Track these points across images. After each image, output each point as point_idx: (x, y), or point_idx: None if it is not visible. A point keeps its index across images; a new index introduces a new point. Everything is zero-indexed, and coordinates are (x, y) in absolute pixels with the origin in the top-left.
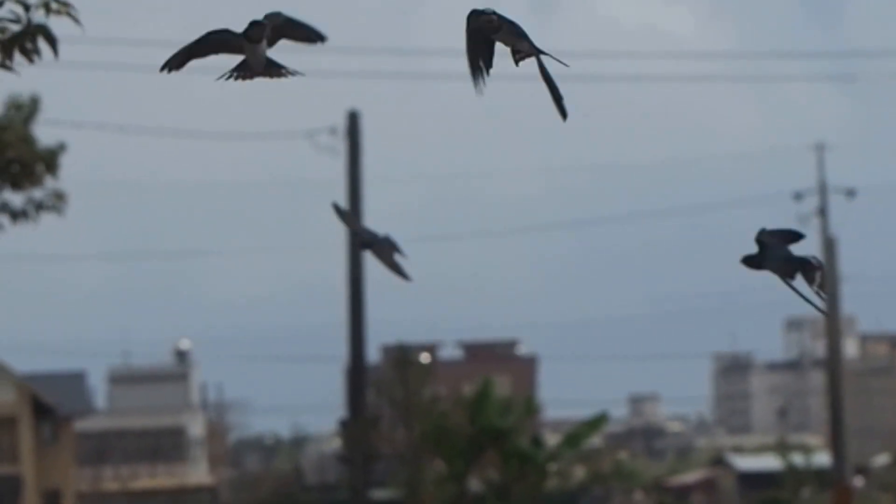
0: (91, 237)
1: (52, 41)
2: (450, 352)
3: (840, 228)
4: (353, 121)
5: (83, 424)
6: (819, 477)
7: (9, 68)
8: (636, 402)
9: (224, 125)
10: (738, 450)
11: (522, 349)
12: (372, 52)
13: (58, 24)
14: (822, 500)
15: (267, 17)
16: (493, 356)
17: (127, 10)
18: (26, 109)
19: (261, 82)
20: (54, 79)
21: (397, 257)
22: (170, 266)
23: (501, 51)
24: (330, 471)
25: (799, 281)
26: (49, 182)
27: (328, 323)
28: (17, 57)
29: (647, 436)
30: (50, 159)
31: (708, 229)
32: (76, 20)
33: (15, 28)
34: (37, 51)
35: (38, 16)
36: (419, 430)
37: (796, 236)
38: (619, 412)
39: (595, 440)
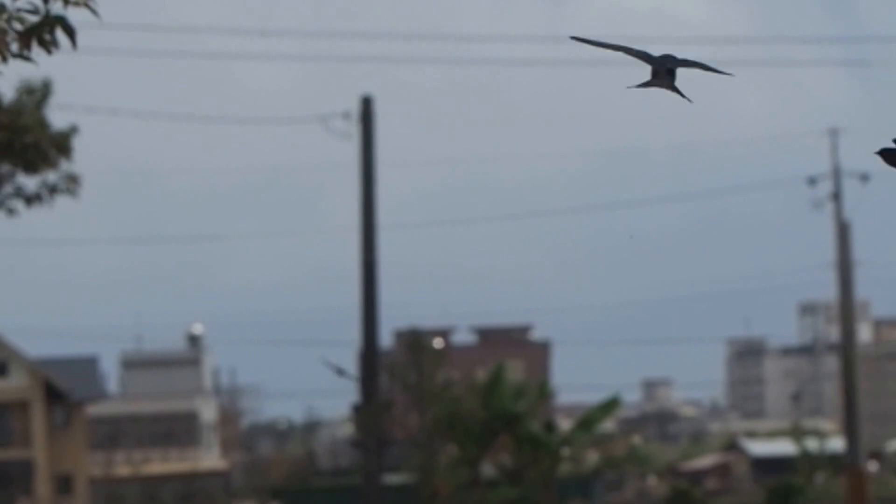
0: (104, 222)
1: (71, 32)
2: (463, 337)
3: (854, 213)
4: (367, 105)
5: (96, 409)
6: (833, 462)
7: (28, 59)
8: (649, 386)
9: (237, 110)
10: (752, 435)
11: (535, 334)
12: (386, 37)
13: (72, 10)
14: (836, 485)
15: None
16: (507, 341)
17: None
18: (39, 93)
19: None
20: (68, 64)
21: None
22: (182, 251)
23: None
24: (343, 455)
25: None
26: (63, 165)
27: (341, 307)
28: (34, 47)
29: (660, 420)
30: (63, 142)
31: (722, 214)
32: (94, 12)
33: (33, 19)
34: (55, 42)
35: (57, 7)
36: (432, 415)
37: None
38: (633, 397)
39: (608, 425)
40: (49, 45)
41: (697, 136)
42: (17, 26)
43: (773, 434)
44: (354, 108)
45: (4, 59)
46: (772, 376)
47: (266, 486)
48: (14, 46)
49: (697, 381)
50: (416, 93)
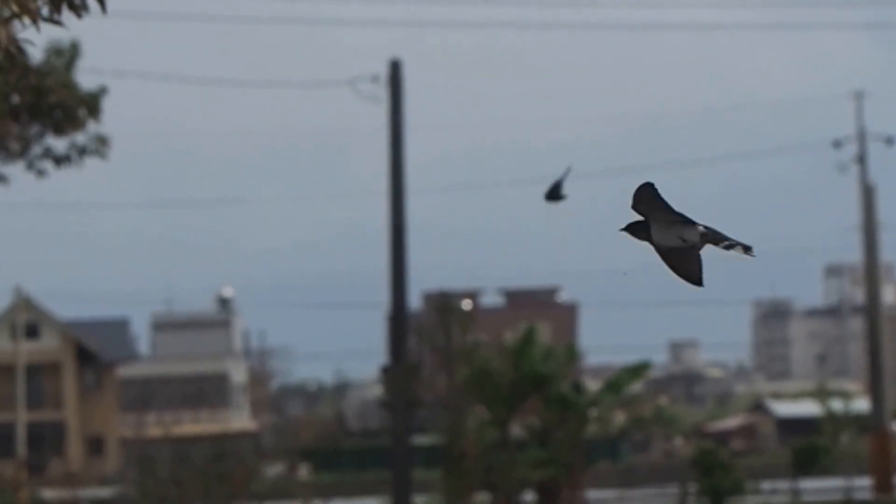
0: (135, 185)
1: None
2: (491, 299)
3: (879, 175)
4: (396, 69)
5: (126, 371)
6: (858, 422)
7: (58, 23)
8: (676, 348)
9: (267, 74)
10: (778, 396)
11: (563, 296)
12: (415, 1)
13: None
14: (860, 446)
15: None
16: (535, 303)
17: None
18: (67, 55)
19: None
20: (98, 27)
21: None
22: (213, 213)
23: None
24: (372, 417)
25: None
26: (91, 126)
27: (370, 270)
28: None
29: (686, 382)
30: (92, 103)
31: (747, 177)
32: None
33: None
34: (85, 6)
35: None
36: (461, 377)
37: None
38: (660, 358)
39: (635, 386)
40: (79, 9)
41: (722, 99)
42: None
43: (798, 395)
44: (383, 71)
45: (35, 23)
46: (797, 338)
47: (295, 448)
48: (45, 10)
49: (724, 343)
50: (444, 56)
